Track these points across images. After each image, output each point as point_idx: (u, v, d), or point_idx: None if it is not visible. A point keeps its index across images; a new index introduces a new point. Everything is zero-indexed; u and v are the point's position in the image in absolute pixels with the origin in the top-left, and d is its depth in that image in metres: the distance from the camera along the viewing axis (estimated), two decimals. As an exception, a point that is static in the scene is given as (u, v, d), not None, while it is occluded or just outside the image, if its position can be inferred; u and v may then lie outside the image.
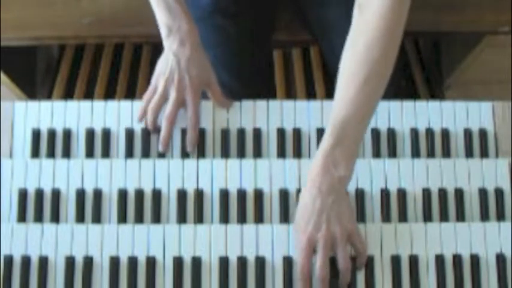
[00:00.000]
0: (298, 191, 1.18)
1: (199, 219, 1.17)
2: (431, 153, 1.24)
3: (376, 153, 1.23)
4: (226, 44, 1.33)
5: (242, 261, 1.12)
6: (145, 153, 1.22)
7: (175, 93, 1.19)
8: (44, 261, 1.11)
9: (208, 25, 1.31)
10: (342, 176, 1.08)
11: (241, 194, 1.18)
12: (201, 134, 1.23)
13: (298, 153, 1.23)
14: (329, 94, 1.79)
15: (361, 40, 1.08)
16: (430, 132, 1.24)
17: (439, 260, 1.13)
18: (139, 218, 1.17)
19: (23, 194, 1.17)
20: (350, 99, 1.08)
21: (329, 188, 1.07)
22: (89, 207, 1.17)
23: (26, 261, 1.11)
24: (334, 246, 1.07)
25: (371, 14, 1.06)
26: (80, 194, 1.18)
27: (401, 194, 1.18)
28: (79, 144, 1.23)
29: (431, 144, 1.24)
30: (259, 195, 1.18)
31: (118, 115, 1.24)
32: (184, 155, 1.22)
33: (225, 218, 1.17)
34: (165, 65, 1.21)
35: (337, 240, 1.07)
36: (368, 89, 1.07)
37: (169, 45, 1.21)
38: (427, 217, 1.18)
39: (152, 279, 1.11)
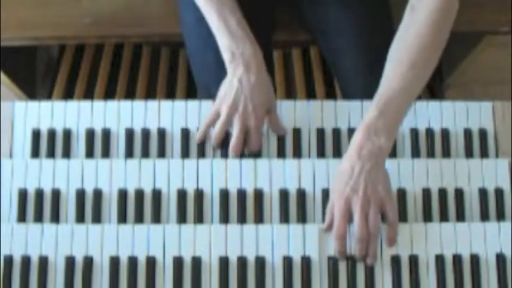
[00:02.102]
0: (298, 191, 1.18)
1: (199, 219, 1.17)
2: (431, 153, 1.24)
3: (376, 153, 1.22)
4: None
5: (242, 261, 1.12)
6: (145, 153, 1.22)
7: (239, 123, 1.19)
8: (44, 261, 1.11)
9: (208, 26, 1.31)
10: (383, 146, 1.12)
11: (241, 194, 1.18)
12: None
13: (298, 153, 1.23)
14: (329, 94, 1.79)
15: (411, 31, 1.15)
16: (430, 132, 1.24)
17: (439, 260, 1.13)
18: (139, 218, 1.17)
19: (23, 194, 1.17)
20: (397, 78, 1.14)
21: (369, 154, 1.11)
22: (89, 207, 1.17)
23: (26, 261, 1.11)
24: (368, 208, 1.11)
25: (422, 11, 1.14)
26: (80, 194, 1.18)
27: (401, 194, 1.18)
28: (79, 144, 1.23)
29: (431, 144, 1.24)
30: (259, 195, 1.18)
31: (118, 115, 1.24)
32: (184, 155, 1.22)
33: (225, 218, 1.17)
34: (229, 90, 1.20)
35: (371, 204, 1.10)
36: (414, 71, 1.14)
37: (233, 70, 1.21)
38: (427, 217, 1.18)
39: (152, 279, 1.11)
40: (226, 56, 1.22)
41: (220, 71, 1.25)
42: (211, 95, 1.25)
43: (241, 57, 1.20)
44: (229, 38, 1.21)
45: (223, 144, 1.22)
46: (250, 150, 1.21)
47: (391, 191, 1.14)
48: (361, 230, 1.10)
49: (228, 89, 1.20)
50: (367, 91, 1.34)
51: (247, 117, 1.19)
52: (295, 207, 1.18)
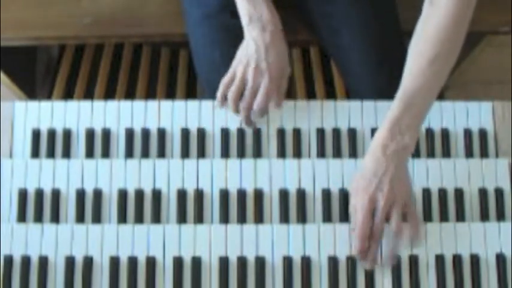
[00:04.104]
0: (298, 191, 1.18)
1: (199, 219, 1.17)
2: (431, 153, 1.24)
3: (376, 153, 1.23)
4: (231, 42, 1.33)
5: (242, 261, 1.12)
6: (145, 153, 1.22)
7: (251, 79, 1.21)
8: (44, 261, 1.11)
9: (214, 23, 1.31)
10: (407, 145, 1.12)
11: (241, 194, 1.18)
12: (201, 134, 1.23)
13: (298, 153, 1.23)
14: (329, 94, 1.79)
15: (430, 23, 1.15)
16: (430, 132, 1.24)
17: (439, 260, 1.13)
18: (139, 218, 1.17)
19: (23, 194, 1.17)
20: (418, 74, 1.14)
21: (394, 153, 1.11)
22: (89, 207, 1.17)
23: (26, 261, 1.11)
24: (390, 209, 1.11)
25: (441, 4, 1.13)
26: (80, 194, 1.18)
27: (402, 194, 1.18)
28: (79, 144, 1.23)
29: (431, 144, 1.24)
30: (259, 195, 1.18)
31: (118, 115, 1.24)
32: (184, 155, 1.22)
33: (225, 218, 1.17)
34: (244, 51, 1.23)
35: (396, 204, 1.11)
36: (435, 66, 1.14)
37: (250, 32, 1.23)
38: (427, 217, 1.18)
39: (152, 279, 1.11)
40: (244, 19, 1.24)
41: (225, 68, 1.25)
42: (215, 91, 1.25)
43: (258, 20, 1.23)
44: (248, 2, 1.24)
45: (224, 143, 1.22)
46: (254, 112, 1.21)
47: (411, 192, 1.14)
48: (378, 230, 1.10)
49: (244, 50, 1.23)
50: (376, 86, 1.34)
51: (260, 75, 1.21)
52: (295, 207, 1.18)
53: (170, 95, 1.82)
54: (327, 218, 1.17)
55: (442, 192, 1.19)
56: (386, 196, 1.10)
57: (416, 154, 1.23)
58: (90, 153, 1.23)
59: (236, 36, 1.35)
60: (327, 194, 1.18)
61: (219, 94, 1.24)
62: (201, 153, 1.23)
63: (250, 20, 1.23)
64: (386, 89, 1.26)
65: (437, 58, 1.14)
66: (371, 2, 1.39)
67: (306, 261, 1.12)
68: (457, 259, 1.13)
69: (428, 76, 1.14)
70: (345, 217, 1.17)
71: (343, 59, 1.43)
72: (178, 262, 1.12)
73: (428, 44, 1.14)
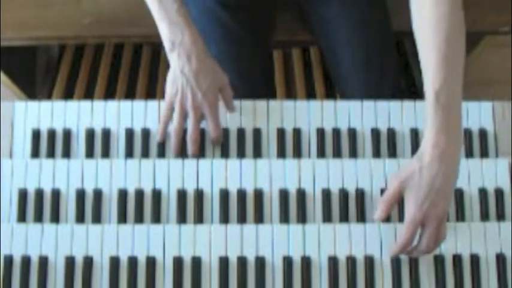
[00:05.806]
0: (298, 191, 1.18)
1: (199, 219, 1.17)
2: (431, 153, 1.24)
3: (376, 153, 1.23)
4: (227, 37, 1.33)
5: (242, 261, 1.12)
6: (145, 153, 1.22)
7: (193, 113, 1.19)
8: (44, 261, 1.11)
9: (210, 19, 1.31)
10: (458, 141, 1.09)
11: (241, 194, 1.18)
12: (201, 134, 1.23)
13: (298, 153, 1.23)
14: (329, 94, 1.79)
15: (428, 6, 1.09)
16: (430, 132, 1.24)
17: (439, 260, 1.13)
18: (139, 218, 1.17)
19: (23, 194, 1.17)
20: (438, 64, 1.08)
21: (447, 158, 1.07)
22: (89, 207, 1.17)
23: (26, 261, 1.11)
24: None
25: None
26: (80, 194, 1.18)
27: (401, 194, 1.18)
28: (79, 144, 1.23)
29: (431, 144, 1.24)
30: (259, 195, 1.18)
31: (118, 115, 1.24)
32: (184, 155, 1.22)
33: (225, 218, 1.17)
34: (175, 85, 1.20)
35: (442, 220, 1.09)
36: (451, 46, 1.08)
37: (175, 61, 1.21)
38: (427, 217, 1.18)
39: (152, 279, 1.11)
40: (166, 45, 1.21)
41: (221, 64, 1.26)
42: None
43: (180, 46, 1.20)
44: (168, 27, 1.20)
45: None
46: (213, 139, 1.21)
47: None
48: (429, 246, 1.10)
49: (173, 83, 1.21)
50: (364, 89, 1.34)
51: (199, 105, 1.19)
52: (295, 207, 1.18)
53: (170, 95, 1.82)
54: (327, 218, 1.17)
55: (442, 192, 1.19)
56: (440, 214, 1.08)
57: (416, 154, 1.23)
58: (90, 153, 1.23)
59: (229, 31, 1.35)
60: (327, 194, 1.18)
61: (160, 131, 1.21)
62: (201, 153, 1.23)
63: (173, 46, 1.20)
64: (375, 90, 1.26)
65: (448, 38, 1.08)
66: (361, 5, 1.39)
67: (306, 261, 1.12)
68: (457, 259, 1.13)
69: (448, 60, 1.08)
70: (344, 217, 1.17)
71: (334, 61, 1.43)
72: (178, 262, 1.12)
73: (432, 26, 1.09)
